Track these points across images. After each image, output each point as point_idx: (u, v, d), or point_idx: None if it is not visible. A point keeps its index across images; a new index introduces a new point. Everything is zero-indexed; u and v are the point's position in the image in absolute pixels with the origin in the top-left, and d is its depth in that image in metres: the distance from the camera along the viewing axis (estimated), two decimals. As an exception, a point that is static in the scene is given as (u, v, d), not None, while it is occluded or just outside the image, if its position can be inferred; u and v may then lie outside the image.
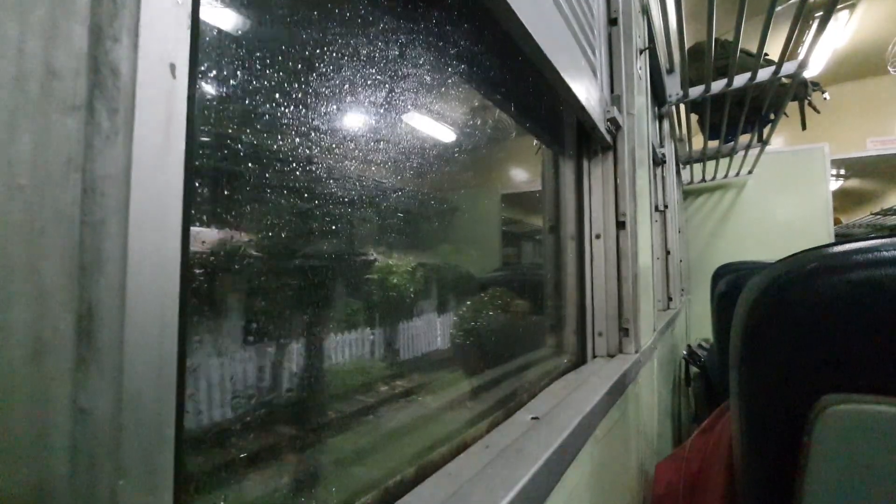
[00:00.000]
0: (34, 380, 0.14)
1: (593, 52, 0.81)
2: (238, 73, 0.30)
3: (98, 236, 0.15)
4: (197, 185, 0.25)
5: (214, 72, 0.28)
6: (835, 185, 4.03)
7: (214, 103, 0.28)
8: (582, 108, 0.71)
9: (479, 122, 0.70)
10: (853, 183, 4.36)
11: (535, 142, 0.89)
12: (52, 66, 0.13)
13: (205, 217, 0.27)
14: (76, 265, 0.14)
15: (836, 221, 3.27)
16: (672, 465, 0.80)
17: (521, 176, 0.96)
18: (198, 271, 0.26)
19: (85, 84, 0.14)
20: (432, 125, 0.59)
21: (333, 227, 0.40)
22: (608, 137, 0.89)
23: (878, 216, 3.84)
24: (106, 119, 0.15)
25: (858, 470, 0.36)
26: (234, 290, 0.30)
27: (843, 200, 4.61)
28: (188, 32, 0.21)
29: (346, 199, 0.42)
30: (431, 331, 0.58)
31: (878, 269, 0.37)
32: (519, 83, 0.70)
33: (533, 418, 0.52)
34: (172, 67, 0.20)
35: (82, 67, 0.14)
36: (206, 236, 0.27)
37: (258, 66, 0.32)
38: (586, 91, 0.72)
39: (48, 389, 0.14)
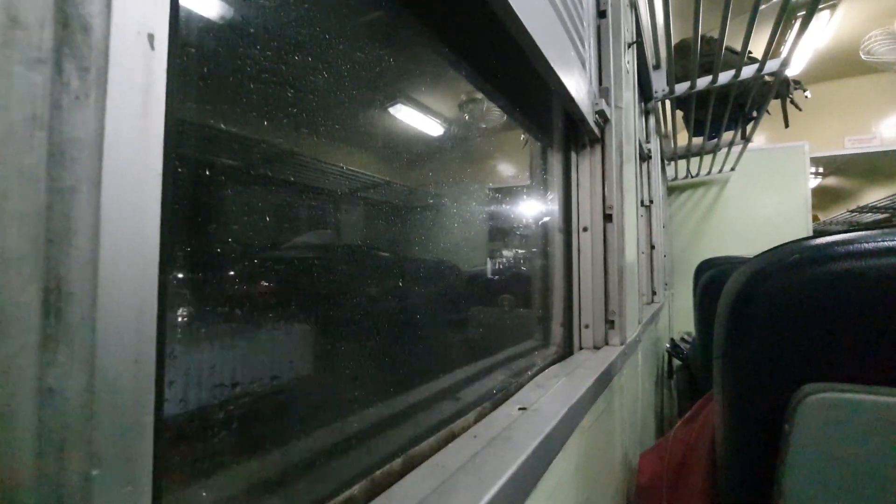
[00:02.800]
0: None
1: (582, 44, 0.81)
2: (223, 53, 0.29)
3: (67, 204, 0.14)
4: (177, 163, 0.24)
5: (195, 49, 0.27)
6: (813, 182, 4.13)
7: (197, 81, 0.27)
8: (571, 99, 0.71)
9: (465, 115, 0.70)
10: (831, 181, 4.48)
11: (522, 136, 0.88)
12: (13, 12, 0.12)
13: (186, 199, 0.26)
14: (42, 234, 0.13)
15: (814, 219, 3.36)
16: (656, 455, 0.82)
17: (510, 169, 0.95)
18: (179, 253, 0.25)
19: (51, 36, 0.13)
20: (417, 116, 0.58)
21: (322, 214, 0.39)
22: (596, 130, 0.89)
23: (855, 213, 3.96)
24: (76, 78, 0.14)
25: (836, 456, 0.37)
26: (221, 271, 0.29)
27: (822, 198, 4.74)
28: (167, 3, 0.20)
29: (337, 192, 0.41)
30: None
31: (859, 260, 0.38)
32: (507, 74, 0.70)
33: (520, 409, 0.52)
34: (151, 38, 0.19)
35: (48, 18, 0.13)
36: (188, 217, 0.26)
37: (244, 48, 0.30)
38: (576, 83, 0.72)
39: (10, 366, 0.13)
